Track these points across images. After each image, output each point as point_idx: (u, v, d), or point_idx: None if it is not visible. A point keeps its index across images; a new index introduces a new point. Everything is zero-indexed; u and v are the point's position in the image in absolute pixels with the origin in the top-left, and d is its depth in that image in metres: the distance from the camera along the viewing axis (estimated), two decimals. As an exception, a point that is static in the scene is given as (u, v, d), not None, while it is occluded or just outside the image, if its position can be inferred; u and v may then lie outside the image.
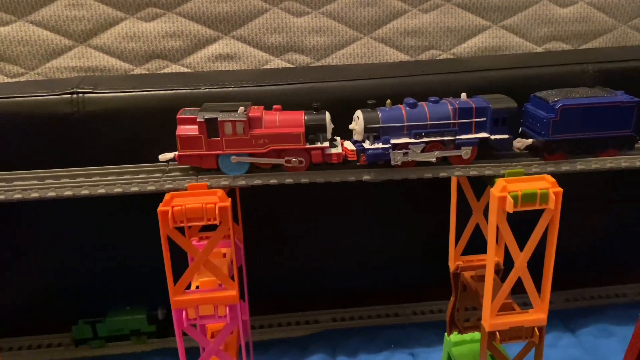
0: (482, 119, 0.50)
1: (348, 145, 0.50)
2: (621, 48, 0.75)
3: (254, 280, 0.63)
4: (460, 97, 0.51)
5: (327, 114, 0.49)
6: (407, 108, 0.50)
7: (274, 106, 0.50)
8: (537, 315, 0.50)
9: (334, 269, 0.75)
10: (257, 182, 0.49)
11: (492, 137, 0.50)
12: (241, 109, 0.48)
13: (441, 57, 0.73)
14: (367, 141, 0.49)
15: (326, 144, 0.49)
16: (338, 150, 0.50)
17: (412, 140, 0.49)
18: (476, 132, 0.50)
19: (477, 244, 0.49)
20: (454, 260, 0.61)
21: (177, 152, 0.49)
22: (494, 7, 0.72)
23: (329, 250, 0.73)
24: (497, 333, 0.49)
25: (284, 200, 0.66)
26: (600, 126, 0.50)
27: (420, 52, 0.72)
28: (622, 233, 0.67)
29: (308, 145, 0.49)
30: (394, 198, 0.69)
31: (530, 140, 0.52)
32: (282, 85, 0.63)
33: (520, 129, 0.54)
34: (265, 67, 0.71)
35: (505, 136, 0.50)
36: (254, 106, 0.50)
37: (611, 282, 0.85)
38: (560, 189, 0.45)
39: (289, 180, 0.50)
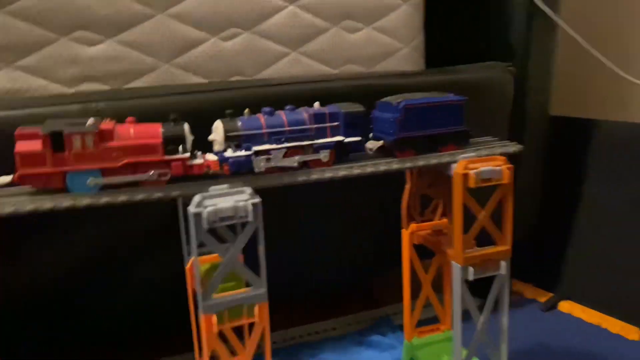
0: (335, 124, 0.53)
1: (209, 156, 0.50)
2: (163, 87, 0.69)
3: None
4: (312, 106, 0.53)
5: (186, 125, 0.48)
6: (266, 116, 0.51)
7: (127, 118, 0.47)
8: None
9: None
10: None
11: (346, 139, 0.53)
12: (90, 120, 0.46)
13: None
14: (228, 150, 0.49)
15: (187, 155, 0.47)
16: (200, 161, 0.49)
17: (273, 146, 0.50)
18: (331, 136, 0.53)
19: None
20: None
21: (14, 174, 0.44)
22: (5, 48, 0.62)
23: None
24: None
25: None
26: (439, 123, 0.56)
27: None
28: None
29: (167, 157, 0.46)
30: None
31: (381, 142, 0.56)
32: None
33: (370, 135, 0.57)
34: None
35: (358, 138, 0.54)
36: (104, 119, 0.47)
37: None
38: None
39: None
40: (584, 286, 0.95)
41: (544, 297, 0.98)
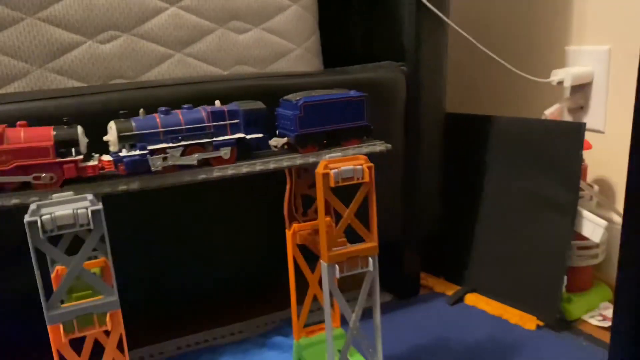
0: (235, 121, 0.53)
1: (105, 157, 0.50)
2: (40, 91, 0.66)
3: None
4: (213, 104, 0.54)
5: (80, 128, 0.48)
6: (162, 115, 0.50)
7: (18, 122, 0.46)
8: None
9: None
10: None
11: (248, 136, 0.53)
12: None
13: None
14: (123, 150, 0.49)
15: (80, 157, 0.47)
16: (94, 162, 0.49)
17: (170, 144, 0.50)
18: (232, 134, 0.53)
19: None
20: None
21: None
22: None
23: None
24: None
25: None
26: (340, 119, 0.57)
27: None
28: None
29: (59, 159, 0.46)
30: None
31: (285, 139, 0.57)
32: None
33: (277, 132, 0.58)
34: None
35: (260, 135, 0.54)
36: None
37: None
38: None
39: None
40: (488, 278, 0.97)
41: (452, 291, 1.00)
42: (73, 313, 0.46)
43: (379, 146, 0.59)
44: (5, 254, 0.65)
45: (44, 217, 0.43)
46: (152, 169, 0.50)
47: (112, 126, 0.49)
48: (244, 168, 0.53)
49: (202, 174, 0.52)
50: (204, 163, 0.52)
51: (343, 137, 0.58)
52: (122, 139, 0.49)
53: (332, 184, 0.53)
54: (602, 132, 0.97)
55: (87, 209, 0.45)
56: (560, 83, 0.97)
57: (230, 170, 0.53)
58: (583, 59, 0.98)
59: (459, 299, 0.97)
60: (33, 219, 0.43)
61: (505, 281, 0.94)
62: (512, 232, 0.93)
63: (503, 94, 1.14)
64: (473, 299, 0.96)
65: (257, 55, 0.79)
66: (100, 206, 0.45)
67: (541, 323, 0.88)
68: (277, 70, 0.81)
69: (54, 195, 0.46)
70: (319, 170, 0.53)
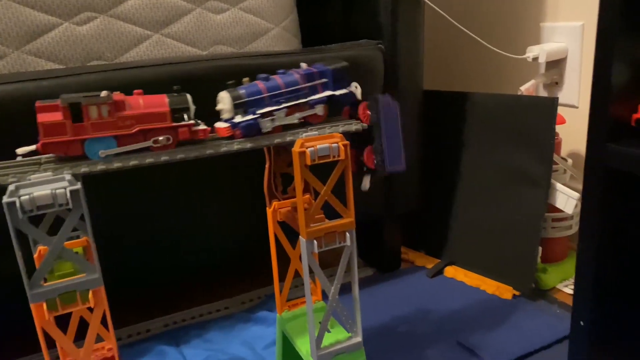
0: (324, 80, 0.58)
1: (219, 124, 0.54)
2: (18, 74, 0.66)
3: None
4: (299, 67, 0.58)
5: (189, 95, 0.51)
6: (263, 82, 0.54)
7: (135, 91, 0.50)
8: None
9: None
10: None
11: (337, 93, 0.58)
12: (104, 92, 0.48)
13: None
14: (237, 117, 0.53)
15: (192, 121, 0.51)
16: (203, 127, 0.52)
17: (275, 107, 0.54)
18: (322, 92, 0.57)
19: None
20: None
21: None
22: None
23: None
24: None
25: None
26: None
27: None
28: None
29: (175, 124, 0.50)
30: None
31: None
32: None
33: None
34: None
35: (346, 90, 0.58)
36: (114, 92, 0.50)
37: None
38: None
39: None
40: (466, 251, 1.00)
41: (432, 264, 1.02)
42: (55, 291, 0.47)
43: (355, 125, 0.61)
44: None
45: (22, 198, 0.44)
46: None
47: (224, 96, 0.54)
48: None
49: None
50: (303, 120, 0.58)
51: None
52: (235, 107, 0.54)
53: (309, 162, 0.55)
54: (576, 107, 0.99)
55: (65, 189, 0.46)
56: (536, 59, 0.98)
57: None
58: (557, 35, 1.00)
59: (438, 272, 1.00)
60: (12, 199, 0.44)
61: (482, 253, 0.97)
62: (488, 205, 0.95)
63: (479, 70, 1.15)
64: (452, 272, 0.99)
65: (235, 35, 0.79)
66: (78, 186, 0.46)
67: (517, 293, 0.91)
68: (256, 49, 0.81)
69: (33, 176, 0.47)
70: (296, 148, 0.55)
